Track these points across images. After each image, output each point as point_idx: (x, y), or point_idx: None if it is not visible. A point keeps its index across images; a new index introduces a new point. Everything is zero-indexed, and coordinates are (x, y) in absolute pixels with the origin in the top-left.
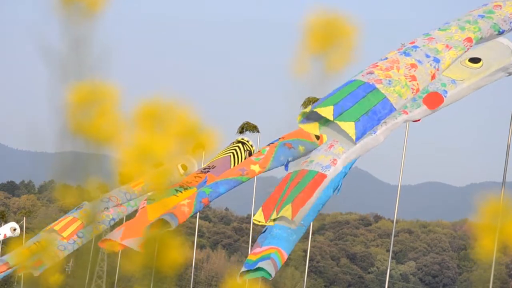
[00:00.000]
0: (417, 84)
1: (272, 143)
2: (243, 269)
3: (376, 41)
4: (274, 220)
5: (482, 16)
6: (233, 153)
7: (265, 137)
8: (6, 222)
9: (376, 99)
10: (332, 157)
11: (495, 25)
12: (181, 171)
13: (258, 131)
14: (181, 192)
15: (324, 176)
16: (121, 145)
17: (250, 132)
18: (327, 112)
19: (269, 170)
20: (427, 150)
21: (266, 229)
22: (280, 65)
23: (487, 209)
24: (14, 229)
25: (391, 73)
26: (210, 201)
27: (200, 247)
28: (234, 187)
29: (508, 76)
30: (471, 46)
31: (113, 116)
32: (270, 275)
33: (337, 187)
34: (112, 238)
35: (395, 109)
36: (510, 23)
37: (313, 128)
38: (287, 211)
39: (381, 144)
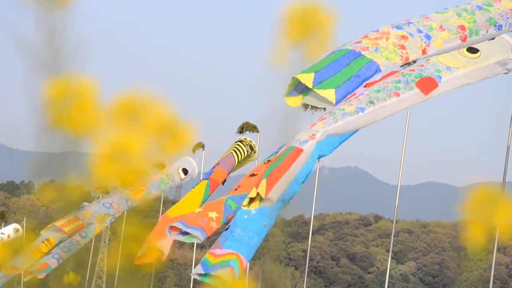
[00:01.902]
0: (407, 53)
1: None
2: (200, 270)
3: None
4: (250, 199)
5: (480, 8)
6: (234, 150)
7: (265, 136)
8: (6, 222)
9: (359, 65)
10: (311, 133)
11: (491, 19)
12: (182, 175)
13: (258, 131)
14: (194, 188)
15: (300, 150)
16: (97, 142)
17: (250, 132)
18: (307, 78)
19: None
20: (427, 150)
21: (229, 226)
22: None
23: (474, 198)
24: (17, 230)
25: (379, 41)
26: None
27: (200, 247)
28: None
29: (506, 73)
30: (464, 34)
31: (92, 110)
32: (227, 284)
33: (303, 181)
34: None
35: (381, 70)
36: (507, 18)
37: (296, 101)
38: (261, 188)
39: (381, 144)
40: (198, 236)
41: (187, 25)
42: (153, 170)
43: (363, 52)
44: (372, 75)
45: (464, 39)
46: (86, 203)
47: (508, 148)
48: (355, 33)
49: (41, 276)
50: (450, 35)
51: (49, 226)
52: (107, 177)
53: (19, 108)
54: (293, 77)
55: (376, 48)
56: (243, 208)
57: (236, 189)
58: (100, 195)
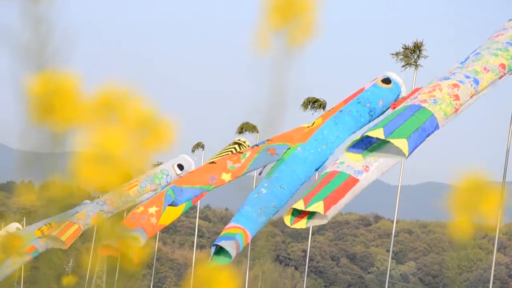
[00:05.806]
0: (459, 103)
1: (256, 145)
2: (213, 249)
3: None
4: (298, 210)
5: (510, 44)
6: (229, 154)
7: (265, 137)
8: (6, 222)
9: (424, 116)
10: (364, 164)
11: None
12: (178, 171)
13: (258, 131)
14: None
15: (356, 180)
16: (80, 142)
17: (249, 132)
18: (377, 133)
19: (241, 176)
20: (427, 150)
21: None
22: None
23: (462, 186)
24: (19, 229)
25: (434, 93)
26: (176, 205)
27: (200, 247)
28: (198, 195)
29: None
30: (503, 72)
31: (75, 106)
32: (231, 257)
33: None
34: (112, 244)
35: (439, 127)
36: None
37: (357, 158)
38: (318, 207)
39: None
40: (138, 237)
41: (187, 23)
42: (151, 169)
43: (423, 105)
44: (433, 132)
45: (501, 77)
46: (88, 201)
47: (508, 148)
48: (338, 19)
49: (27, 258)
50: (494, 76)
51: (46, 235)
52: (91, 177)
53: (5, 103)
54: (363, 135)
55: (435, 100)
56: (285, 221)
57: (190, 173)
58: (100, 195)
